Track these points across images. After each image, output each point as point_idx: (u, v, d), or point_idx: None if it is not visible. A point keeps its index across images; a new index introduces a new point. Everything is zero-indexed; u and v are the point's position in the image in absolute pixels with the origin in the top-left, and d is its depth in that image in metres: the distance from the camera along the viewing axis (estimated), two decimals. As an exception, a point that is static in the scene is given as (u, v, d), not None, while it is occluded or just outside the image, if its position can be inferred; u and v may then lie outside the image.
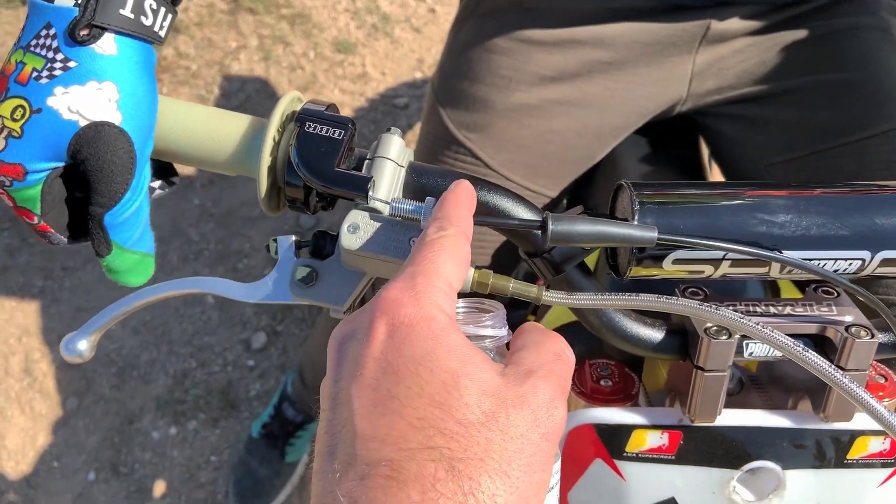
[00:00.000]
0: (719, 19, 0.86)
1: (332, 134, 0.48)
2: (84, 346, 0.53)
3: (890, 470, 0.58)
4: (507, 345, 0.39)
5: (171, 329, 1.71)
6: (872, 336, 0.52)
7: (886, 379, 0.59)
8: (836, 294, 0.56)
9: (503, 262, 0.92)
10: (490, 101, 0.87)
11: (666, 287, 0.54)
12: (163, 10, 0.50)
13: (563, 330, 0.74)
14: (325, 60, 2.15)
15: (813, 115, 0.86)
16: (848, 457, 0.57)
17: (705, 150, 1.04)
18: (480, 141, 0.88)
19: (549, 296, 0.46)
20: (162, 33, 0.50)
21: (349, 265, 0.50)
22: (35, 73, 0.47)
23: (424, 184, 0.51)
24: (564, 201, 0.99)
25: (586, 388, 0.61)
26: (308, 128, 0.48)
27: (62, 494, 1.53)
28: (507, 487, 0.31)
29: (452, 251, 0.37)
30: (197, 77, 2.10)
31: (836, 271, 0.51)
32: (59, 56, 0.47)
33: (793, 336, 0.45)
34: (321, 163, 0.48)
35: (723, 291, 0.57)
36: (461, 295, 0.39)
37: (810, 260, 0.50)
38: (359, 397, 0.32)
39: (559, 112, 0.88)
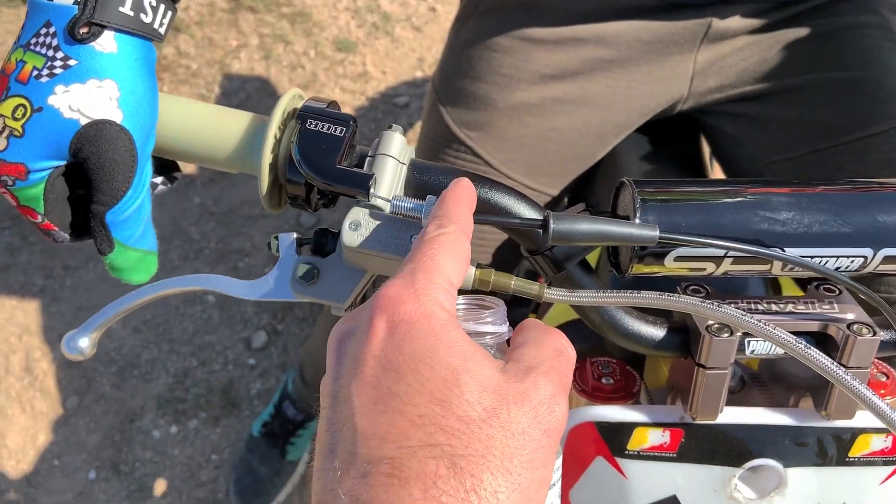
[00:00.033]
0: (720, 18, 0.86)
1: (334, 131, 0.48)
2: (85, 343, 0.53)
3: (892, 468, 0.58)
4: (508, 341, 0.39)
5: (171, 328, 1.71)
6: (874, 334, 0.52)
7: (888, 377, 0.59)
8: (837, 292, 0.56)
9: (505, 259, 0.92)
10: (491, 100, 0.87)
11: (667, 284, 0.54)
12: (162, 7, 0.49)
13: (564, 327, 0.74)
14: (326, 59, 2.15)
15: (814, 114, 0.86)
16: (850, 455, 0.57)
17: (706, 149, 1.04)
18: (481, 139, 0.88)
19: (551, 293, 0.46)
20: (162, 30, 0.50)
21: (350, 262, 0.50)
22: (35, 72, 0.47)
23: (426, 181, 0.51)
24: (565, 199, 0.99)
25: (588, 386, 0.61)
26: (309, 125, 0.48)
27: (63, 493, 1.53)
28: (509, 484, 0.31)
29: (452, 248, 0.37)
30: (197, 76, 2.10)
31: (837, 269, 0.51)
32: (60, 54, 0.47)
33: (794, 334, 0.45)
34: (323, 160, 0.48)
35: (724, 289, 0.57)
36: (462, 292, 0.39)
37: (812, 257, 0.50)
38: (359, 395, 0.32)
39: (560, 110, 0.88)
